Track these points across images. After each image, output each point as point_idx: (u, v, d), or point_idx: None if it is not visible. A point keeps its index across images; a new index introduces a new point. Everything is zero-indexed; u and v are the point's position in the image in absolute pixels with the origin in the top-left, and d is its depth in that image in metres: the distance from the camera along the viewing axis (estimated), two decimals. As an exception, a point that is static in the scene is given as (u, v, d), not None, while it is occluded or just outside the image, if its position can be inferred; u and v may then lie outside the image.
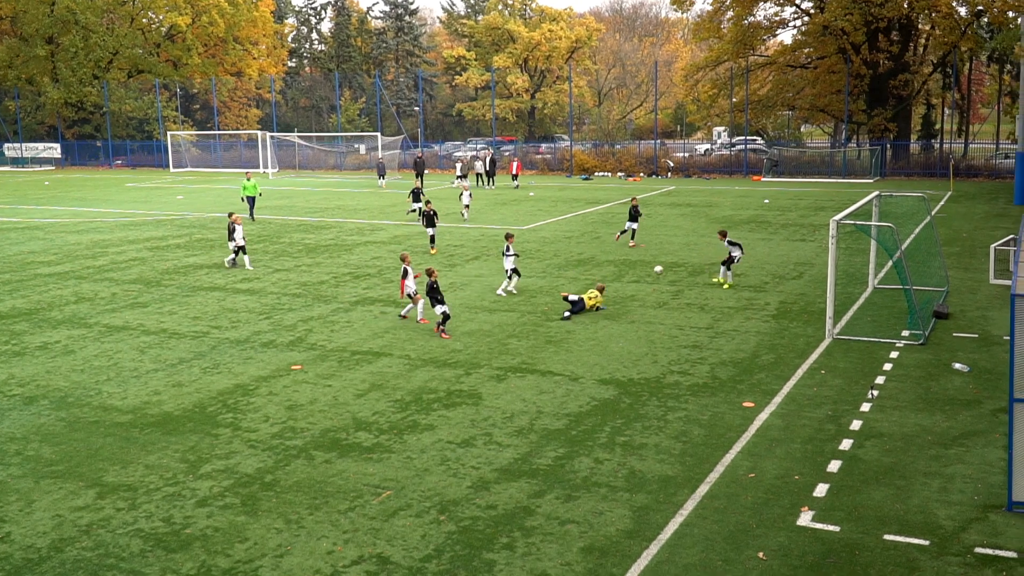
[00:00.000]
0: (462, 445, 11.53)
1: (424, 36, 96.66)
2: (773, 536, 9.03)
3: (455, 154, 65.87)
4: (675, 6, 59.61)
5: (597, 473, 10.60)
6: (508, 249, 20.36)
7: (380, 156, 59.05)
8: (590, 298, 18.76)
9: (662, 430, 11.96)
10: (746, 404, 12.92)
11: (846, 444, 11.36)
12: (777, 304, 19.27)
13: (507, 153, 64.56)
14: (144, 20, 77.80)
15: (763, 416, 12.44)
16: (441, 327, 16.82)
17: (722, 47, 56.04)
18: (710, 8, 57.72)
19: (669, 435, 11.77)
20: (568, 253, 26.36)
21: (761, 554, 8.68)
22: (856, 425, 12.01)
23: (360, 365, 15.17)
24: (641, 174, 57.12)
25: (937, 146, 58.91)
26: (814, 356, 15.33)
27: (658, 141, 62.33)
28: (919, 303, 16.90)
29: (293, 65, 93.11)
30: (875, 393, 13.20)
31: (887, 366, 14.65)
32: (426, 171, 51.76)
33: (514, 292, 20.57)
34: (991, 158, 53.99)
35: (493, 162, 50.71)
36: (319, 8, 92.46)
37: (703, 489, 10.13)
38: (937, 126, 64.09)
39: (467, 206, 34.28)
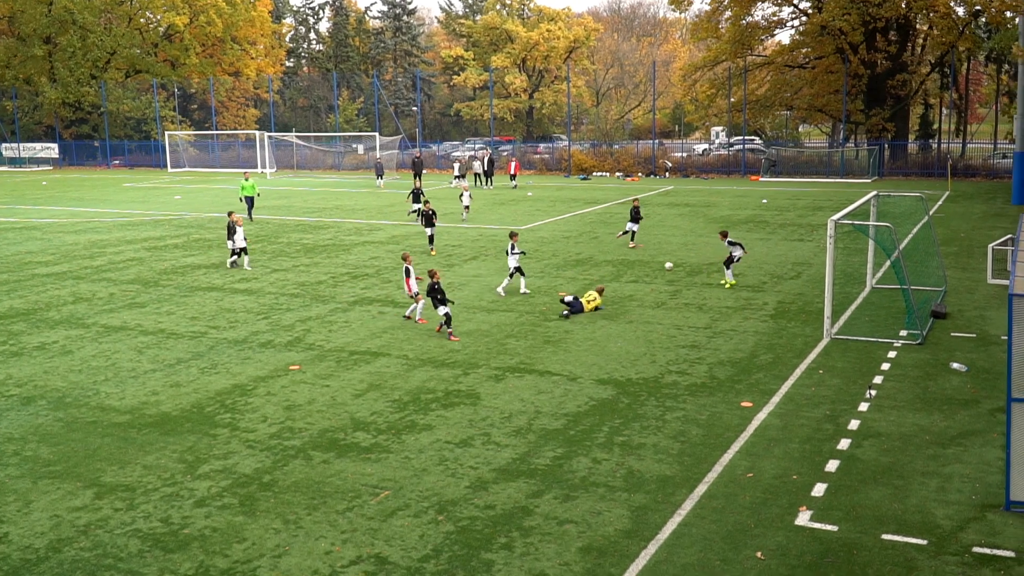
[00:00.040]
0: (460, 445, 11.53)
1: (422, 36, 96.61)
2: (771, 536, 9.04)
3: (453, 154, 65.85)
4: (673, 6, 59.62)
5: (595, 473, 10.60)
6: (513, 248, 20.36)
7: (378, 156, 59.05)
8: (589, 300, 18.77)
9: (660, 430, 11.96)
10: (744, 404, 12.93)
11: (844, 444, 11.37)
12: (775, 304, 19.29)
13: (505, 153, 64.56)
14: (142, 20, 77.72)
15: (761, 416, 12.44)
16: (448, 329, 16.70)
17: (720, 47, 56.06)
18: (708, 8, 57.73)
19: (667, 435, 11.77)
20: (566, 253, 26.36)
21: (759, 554, 8.69)
22: (854, 425, 12.02)
23: (358, 365, 15.16)
24: (639, 174, 57.13)
25: (935, 146, 58.96)
26: (812, 356, 15.34)
27: (656, 141, 62.34)
28: (917, 303, 16.92)
29: (291, 65, 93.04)
30: (873, 393, 13.21)
31: (885, 366, 14.66)
32: (424, 171, 51.74)
33: (527, 292, 20.48)
34: (989, 158, 54.05)
35: (491, 162, 50.71)
36: (317, 8, 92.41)
37: (701, 489, 10.13)
38: (935, 126, 64.12)
39: (467, 207, 34.24)
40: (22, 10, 73.22)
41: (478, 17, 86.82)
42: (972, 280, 21.51)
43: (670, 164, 57.66)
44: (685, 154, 62.16)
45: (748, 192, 44.98)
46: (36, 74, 75.35)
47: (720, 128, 70.12)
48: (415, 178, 47.48)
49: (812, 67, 56.73)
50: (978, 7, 51.34)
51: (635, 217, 27.08)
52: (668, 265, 23.58)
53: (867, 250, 21.13)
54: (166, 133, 68.79)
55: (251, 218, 34.30)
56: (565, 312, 18.37)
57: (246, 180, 35.17)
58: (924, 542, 8.87)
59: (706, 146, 70.38)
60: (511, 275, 20.51)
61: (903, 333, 16.53)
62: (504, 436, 11.82)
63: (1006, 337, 10.04)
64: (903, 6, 52.02)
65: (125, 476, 10.73)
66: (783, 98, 57.69)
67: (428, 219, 26.46)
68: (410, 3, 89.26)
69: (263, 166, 62.71)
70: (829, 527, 9.21)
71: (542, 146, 68.73)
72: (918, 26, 56.43)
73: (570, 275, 22.85)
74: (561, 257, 25.61)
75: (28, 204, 43.49)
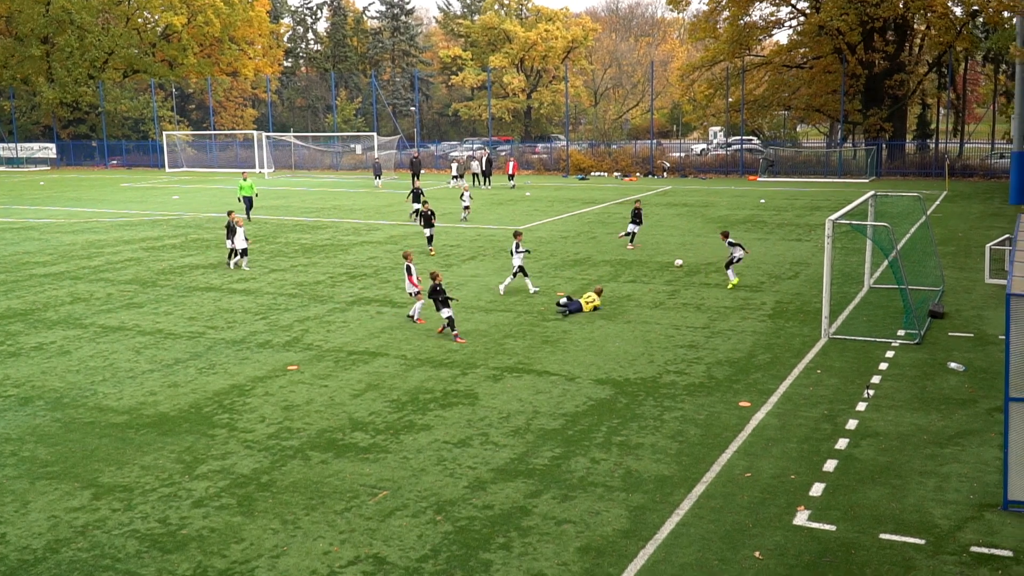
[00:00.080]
0: (458, 445, 11.53)
1: (420, 36, 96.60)
2: (769, 535, 9.04)
3: (451, 154, 65.85)
4: (671, 6, 59.64)
5: (593, 473, 10.60)
6: (517, 247, 20.37)
7: (376, 156, 59.04)
8: (587, 300, 18.79)
9: (658, 430, 11.96)
10: (742, 404, 12.93)
11: (842, 443, 11.38)
12: (773, 304, 19.30)
13: (503, 153, 64.56)
14: (140, 20, 77.69)
15: (759, 416, 12.45)
16: (454, 331, 16.61)
17: (718, 47, 56.09)
18: (706, 8, 57.76)
19: (665, 435, 11.78)
20: (564, 253, 26.37)
21: (757, 553, 8.69)
22: (852, 424, 12.03)
23: (356, 365, 15.16)
24: (637, 174, 57.15)
25: (933, 146, 59.01)
26: (810, 356, 15.35)
27: (654, 141, 62.37)
28: (915, 303, 16.93)
29: (289, 65, 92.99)
30: (871, 392, 13.22)
31: (883, 365, 14.67)
32: (422, 171, 51.73)
33: (536, 290, 20.46)
34: (986, 158, 54.08)
35: (489, 162, 50.70)
36: (315, 8, 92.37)
37: (699, 489, 10.14)
38: (932, 126, 64.17)
39: (467, 207, 34.16)
40: (19, 10, 73.16)
41: (476, 17, 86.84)
42: (970, 280, 21.53)
43: (668, 164, 57.70)
44: (683, 154, 62.18)
45: (746, 192, 45.00)
46: (33, 74, 75.29)
47: (718, 128, 70.18)
48: (413, 178, 47.48)
49: (810, 67, 56.77)
50: (976, 7, 51.39)
51: (636, 218, 27.04)
52: (678, 262, 23.90)
53: (865, 250, 21.14)
54: (164, 133, 68.75)
55: (249, 218, 34.28)
56: (562, 304, 18.49)
57: (244, 180, 35.15)
58: (922, 542, 8.88)
59: (704, 146, 70.43)
60: (514, 274, 20.52)
61: (901, 333, 16.54)
62: (502, 436, 11.82)
63: (1004, 337, 10.06)
64: (901, 6, 52.07)
65: (123, 476, 10.72)
66: (781, 98, 57.73)
67: (427, 220, 26.44)
68: (408, 3, 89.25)
69: (261, 166, 62.68)
70: (827, 527, 9.21)
71: (540, 146, 68.74)
72: (916, 26, 56.48)
73: (568, 275, 22.85)
74: (559, 257, 25.62)
75: (25, 204, 43.45)
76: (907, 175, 52.38)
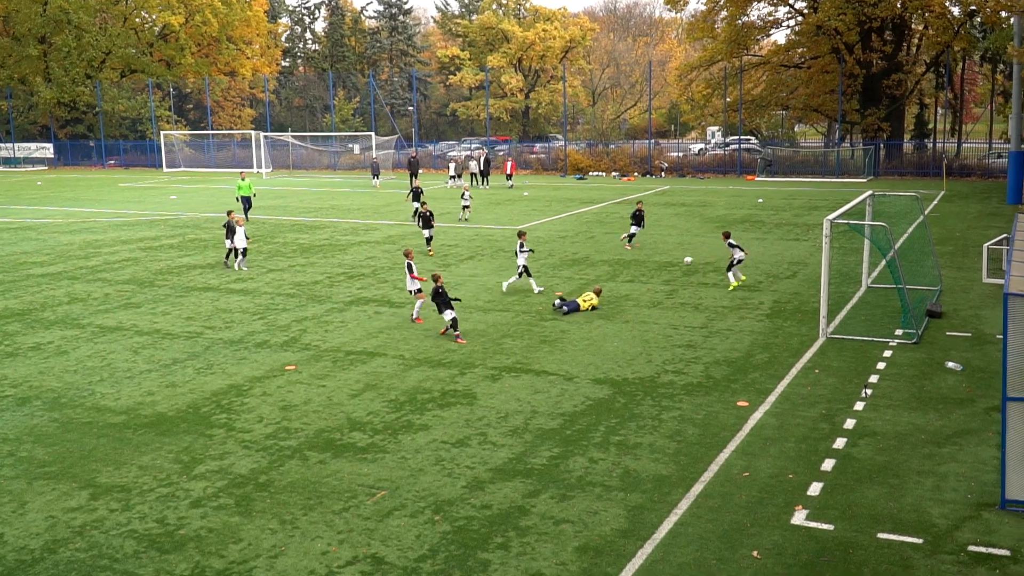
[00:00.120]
0: (457, 445, 11.53)
1: (418, 36, 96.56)
2: (767, 535, 9.05)
3: (449, 154, 65.85)
4: (669, 6, 59.62)
5: (592, 473, 10.60)
6: (521, 246, 20.39)
7: (374, 156, 59.03)
8: (585, 300, 18.80)
9: (656, 429, 11.97)
10: (740, 403, 12.94)
11: (840, 443, 11.39)
12: (771, 303, 19.31)
13: (501, 153, 64.55)
14: (137, 19, 77.61)
15: (757, 415, 12.46)
16: (455, 332, 16.60)
17: (716, 47, 56.11)
18: (704, 8, 57.86)
19: (663, 434, 11.78)
20: (563, 253, 26.37)
21: (755, 553, 8.70)
22: (850, 424, 12.03)
23: (354, 365, 15.15)
24: (635, 174, 57.16)
25: (930, 146, 59.04)
26: (808, 355, 15.36)
27: (652, 141, 62.38)
28: (912, 302, 16.94)
29: (287, 65, 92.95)
30: (869, 392, 13.23)
31: (881, 365, 14.68)
32: (420, 171, 51.72)
33: (541, 290, 20.45)
34: (984, 157, 54.13)
35: (487, 162, 50.70)
36: (313, 7, 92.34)
37: (697, 488, 10.14)
38: (930, 126, 64.25)
39: (466, 206, 34.07)
40: (17, 9, 73.06)
41: (474, 17, 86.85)
42: (967, 279, 21.55)
43: (666, 164, 57.73)
44: (681, 154, 62.17)
45: (744, 192, 45.02)
46: (31, 74, 75.19)
47: (716, 128, 70.19)
48: (412, 178, 47.49)
49: (808, 67, 56.81)
50: (973, 7, 51.45)
51: (638, 220, 26.99)
52: (687, 260, 24.17)
53: (863, 249, 21.15)
54: (161, 133, 68.68)
55: (247, 218, 34.25)
56: (557, 304, 18.52)
57: (242, 180, 35.12)
58: (920, 541, 8.89)
59: (702, 146, 70.44)
60: (519, 274, 20.54)
61: (899, 332, 16.56)
62: (500, 436, 11.82)
63: (1001, 336, 10.07)
64: (898, 6, 52.12)
65: (120, 477, 10.71)
66: (779, 98, 57.77)
67: (426, 221, 26.40)
68: (406, 3, 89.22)
69: (259, 166, 62.65)
70: (825, 526, 9.22)
71: (538, 146, 68.73)
72: (913, 26, 56.53)
73: (566, 275, 22.85)
74: (557, 257, 25.62)
75: (23, 204, 43.40)
76: (905, 175, 52.42)
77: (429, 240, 26.45)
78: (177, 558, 8.78)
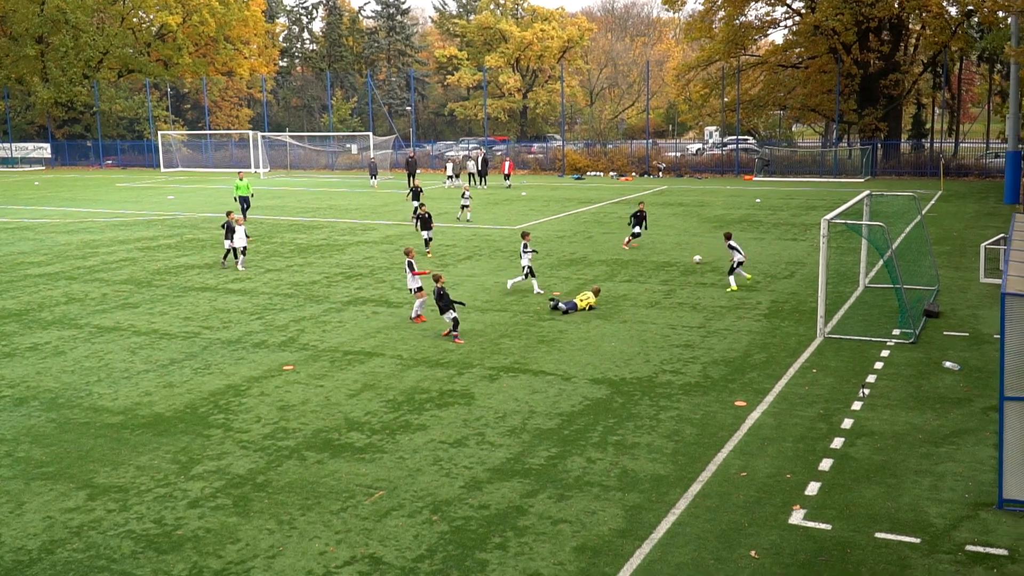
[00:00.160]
0: (455, 445, 11.52)
1: (416, 36, 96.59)
2: (765, 534, 9.05)
3: (447, 154, 65.85)
4: (667, 6, 59.67)
5: (589, 472, 10.60)
6: (525, 247, 20.41)
7: (372, 156, 59.03)
8: (582, 300, 18.81)
9: (654, 429, 11.97)
10: (738, 403, 12.94)
11: (837, 442, 11.39)
12: (769, 303, 19.32)
13: (499, 153, 64.57)
14: (135, 19, 77.56)
15: (755, 415, 12.46)
16: (454, 332, 16.62)
17: (713, 47, 56.15)
18: (701, 8, 57.85)
19: (661, 434, 11.78)
20: (560, 253, 26.37)
21: (753, 552, 8.70)
22: (847, 424, 12.04)
23: (352, 365, 15.15)
24: (633, 174, 57.19)
25: (928, 146, 59.12)
26: (805, 355, 15.37)
27: (650, 141, 62.41)
28: (910, 302, 16.96)
29: (284, 65, 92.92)
30: (866, 392, 13.24)
31: (878, 365, 14.69)
32: (418, 171, 51.73)
33: (541, 292, 20.46)
34: (981, 157, 54.20)
35: (485, 162, 50.70)
36: (310, 7, 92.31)
37: (695, 488, 10.14)
38: (927, 126, 64.31)
39: (465, 206, 33.99)
40: (14, 9, 72.99)
41: (472, 17, 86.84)
42: (965, 279, 21.57)
43: (664, 164, 57.76)
44: (679, 154, 62.23)
45: (742, 192, 45.05)
46: (28, 74, 75.11)
47: (714, 128, 70.23)
48: (410, 178, 47.51)
49: (805, 67, 56.86)
50: (970, 7, 51.52)
51: (640, 221, 26.97)
52: (697, 258, 24.15)
53: (860, 249, 21.17)
54: (159, 133, 68.64)
55: (245, 218, 34.20)
56: (554, 303, 18.53)
57: (241, 180, 35.10)
58: (917, 540, 8.89)
59: (700, 146, 70.48)
60: (525, 275, 20.56)
61: (896, 332, 16.57)
62: (498, 436, 11.82)
63: (998, 336, 10.08)
64: (896, 6, 52.17)
65: (118, 477, 10.70)
66: (776, 98, 57.82)
67: (425, 222, 26.36)
68: (404, 3, 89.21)
69: (257, 166, 62.62)
70: (823, 526, 9.22)
71: (536, 146, 68.76)
72: (911, 26, 56.59)
73: (564, 275, 22.86)
74: (555, 257, 25.62)
75: (20, 204, 43.35)
76: (902, 175, 52.48)
77: (428, 242, 26.42)
78: (175, 558, 8.77)
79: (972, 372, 14.20)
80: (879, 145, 53.94)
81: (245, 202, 34.47)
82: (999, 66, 58.84)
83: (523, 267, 20.54)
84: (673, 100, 74.46)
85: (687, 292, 20.54)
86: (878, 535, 9.01)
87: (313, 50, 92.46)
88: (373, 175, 51.23)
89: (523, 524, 9.35)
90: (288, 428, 12.22)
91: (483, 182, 50.08)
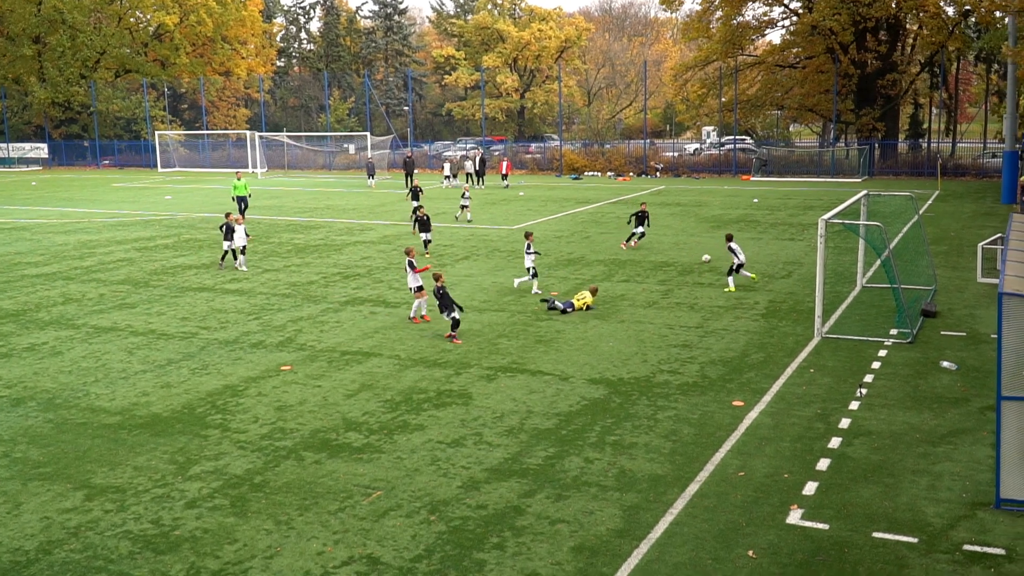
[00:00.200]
0: (452, 445, 11.52)
1: (413, 36, 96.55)
2: (763, 534, 9.06)
3: (444, 154, 65.83)
4: (664, 6, 59.72)
5: (587, 472, 10.60)
6: (528, 247, 20.43)
7: (369, 156, 58.99)
8: (579, 299, 18.81)
9: (652, 429, 11.97)
10: (736, 403, 12.95)
11: (835, 442, 11.40)
12: (766, 303, 19.33)
13: (497, 153, 64.57)
14: (132, 19, 77.47)
15: (753, 415, 12.47)
16: (452, 332, 16.65)
17: (711, 47, 56.18)
18: (699, 8, 57.86)
19: (659, 434, 11.79)
20: (558, 252, 26.37)
21: (751, 552, 8.70)
22: (845, 423, 12.05)
23: (350, 365, 15.14)
24: (631, 174, 57.20)
25: (925, 145, 59.19)
26: (803, 355, 15.38)
27: (647, 141, 62.45)
28: (907, 302, 16.97)
29: (282, 65, 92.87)
30: (863, 391, 13.25)
31: (875, 364, 14.71)
32: (416, 171, 51.72)
33: (539, 292, 20.45)
34: (978, 157, 54.27)
35: (483, 162, 50.69)
36: (308, 7, 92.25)
37: (693, 488, 10.14)
38: (925, 125, 64.40)
39: (464, 206, 33.93)
40: (11, 9, 72.90)
41: (469, 17, 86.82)
42: (962, 279, 21.60)
43: (661, 164, 57.78)
44: (676, 154, 62.27)
45: (739, 192, 45.08)
46: (25, 74, 75.01)
47: (711, 128, 70.30)
48: (408, 178, 47.50)
49: (803, 67, 56.90)
50: (968, 7, 51.57)
51: (641, 220, 26.96)
52: (705, 257, 24.23)
53: (857, 249, 21.19)
54: (156, 133, 68.58)
55: (243, 218, 34.17)
56: (550, 303, 18.54)
57: (238, 180, 35.07)
58: (915, 540, 8.90)
59: (697, 146, 70.53)
60: (530, 276, 20.58)
61: (893, 332, 16.58)
62: (496, 436, 11.81)
63: (996, 335, 10.09)
64: (893, 6, 52.22)
65: (115, 477, 10.68)
66: (774, 98, 57.86)
67: (424, 225, 26.33)
68: (401, 3, 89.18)
69: (254, 166, 62.58)
70: (820, 525, 9.23)
71: (534, 146, 68.77)
72: (908, 26, 56.67)
73: (562, 275, 22.86)
74: (553, 256, 25.62)
75: (17, 204, 43.29)
76: (899, 174, 52.54)
77: (427, 244, 26.37)
78: (172, 559, 8.76)
79: (969, 372, 14.22)
80: (876, 145, 54.00)
81: (242, 202, 34.44)
82: (996, 66, 58.90)
83: (527, 267, 20.56)
84: (671, 100, 74.46)
85: (685, 292, 20.55)
86: (876, 535, 9.02)
87: (310, 50, 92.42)
88: (371, 175, 51.20)
89: (521, 524, 9.35)
90: (286, 428, 12.21)
91: (480, 182, 50.08)
